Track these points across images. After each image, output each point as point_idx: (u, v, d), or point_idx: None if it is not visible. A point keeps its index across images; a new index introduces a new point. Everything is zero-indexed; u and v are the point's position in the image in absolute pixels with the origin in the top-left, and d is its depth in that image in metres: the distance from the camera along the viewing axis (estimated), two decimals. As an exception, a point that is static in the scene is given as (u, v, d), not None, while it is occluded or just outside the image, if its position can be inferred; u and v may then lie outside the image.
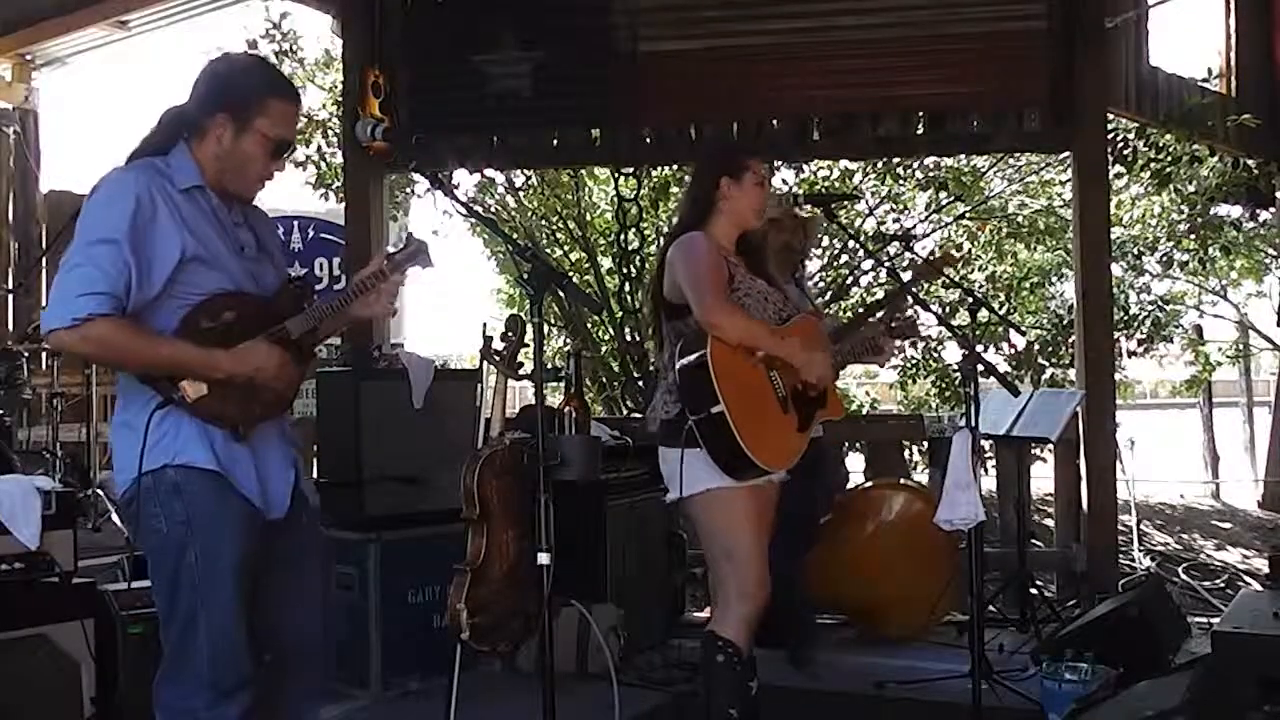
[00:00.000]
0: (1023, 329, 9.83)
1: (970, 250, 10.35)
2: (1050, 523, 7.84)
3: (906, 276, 4.62)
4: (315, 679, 2.80)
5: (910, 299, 4.74)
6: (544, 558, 2.63)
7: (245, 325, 2.57)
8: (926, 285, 5.22)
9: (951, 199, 9.91)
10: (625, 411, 8.75)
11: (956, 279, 4.75)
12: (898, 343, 3.82)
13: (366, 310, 2.74)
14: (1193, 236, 9.41)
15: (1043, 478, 8.13)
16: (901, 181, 9.80)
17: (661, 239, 9.84)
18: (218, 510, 2.52)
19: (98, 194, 2.49)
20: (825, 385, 3.32)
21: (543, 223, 10.34)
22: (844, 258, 9.95)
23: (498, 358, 3.35)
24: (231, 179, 2.62)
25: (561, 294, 2.63)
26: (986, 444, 6.47)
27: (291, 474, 2.70)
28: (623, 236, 6.89)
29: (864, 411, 10.35)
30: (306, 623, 2.73)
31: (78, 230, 2.47)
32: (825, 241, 9.37)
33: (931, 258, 5.29)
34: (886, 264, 6.82)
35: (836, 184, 9.37)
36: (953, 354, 9.21)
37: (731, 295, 3.29)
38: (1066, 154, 7.13)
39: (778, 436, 3.22)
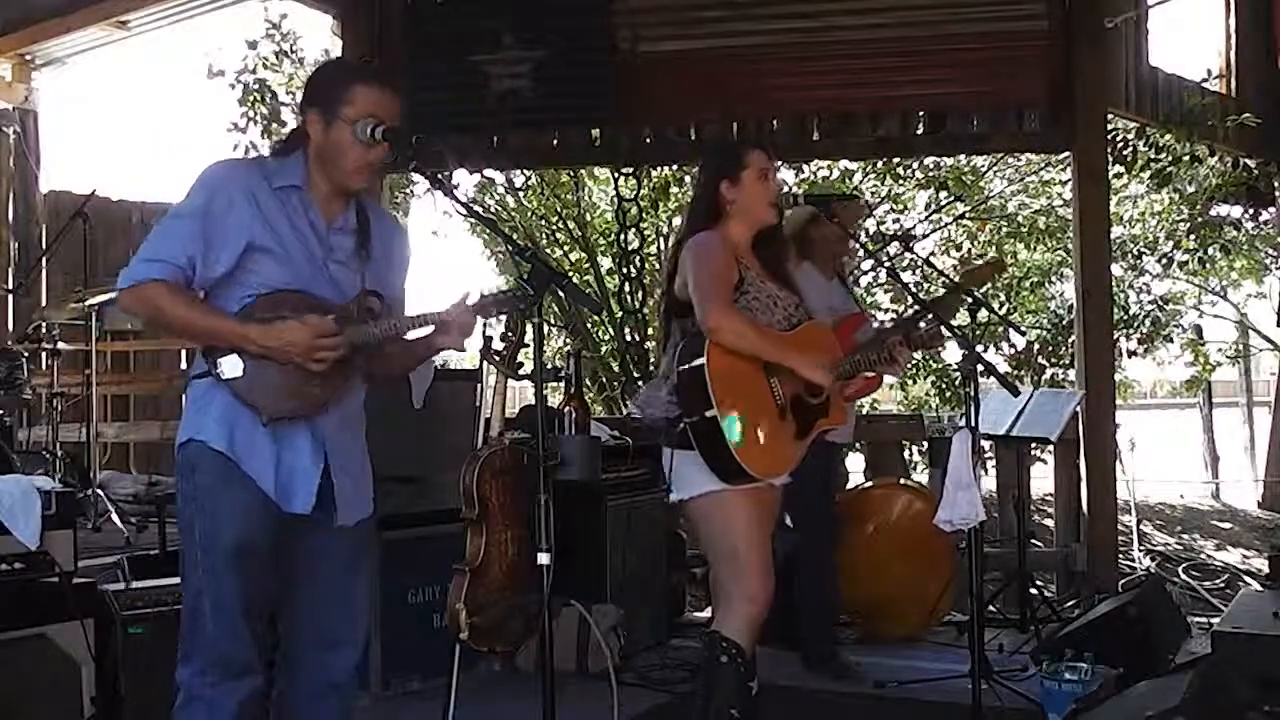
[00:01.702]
0: (1023, 329, 9.84)
1: (970, 250, 10.35)
2: (1050, 523, 7.84)
3: (945, 284, 4.61)
4: (331, 683, 2.78)
5: (911, 298, 4.75)
6: (544, 558, 2.62)
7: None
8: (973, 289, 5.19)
9: (951, 199, 9.92)
10: (625, 411, 8.75)
11: (955, 283, 4.76)
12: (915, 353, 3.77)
13: (441, 342, 2.78)
14: (1193, 236, 9.42)
15: (1043, 478, 8.13)
16: (901, 181, 9.81)
17: (661, 239, 9.88)
18: (221, 492, 2.57)
19: (192, 182, 2.63)
20: (828, 391, 3.27)
21: (543, 223, 10.34)
22: (843, 258, 9.95)
23: (498, 358, 3.34)
24: (331, 170, 2.67)
25: (561, 294, 2.63)
26: (986, 444, 6.47)
27: (317, 472, 2.66)
28: (623, 236, 6.90)
29: (864, 411, 10.34)
30: (324, 626, 2.74)
31: None
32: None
33: (984, 262, 5.27)
34: (886, 264, 6.82)
35: (836, 184, 9.38)
36: (953, 354, 9.22)
37: (739, 298, 3.27)
38: (1066, 154, 7.13)
39: (773, 444, 3.19)
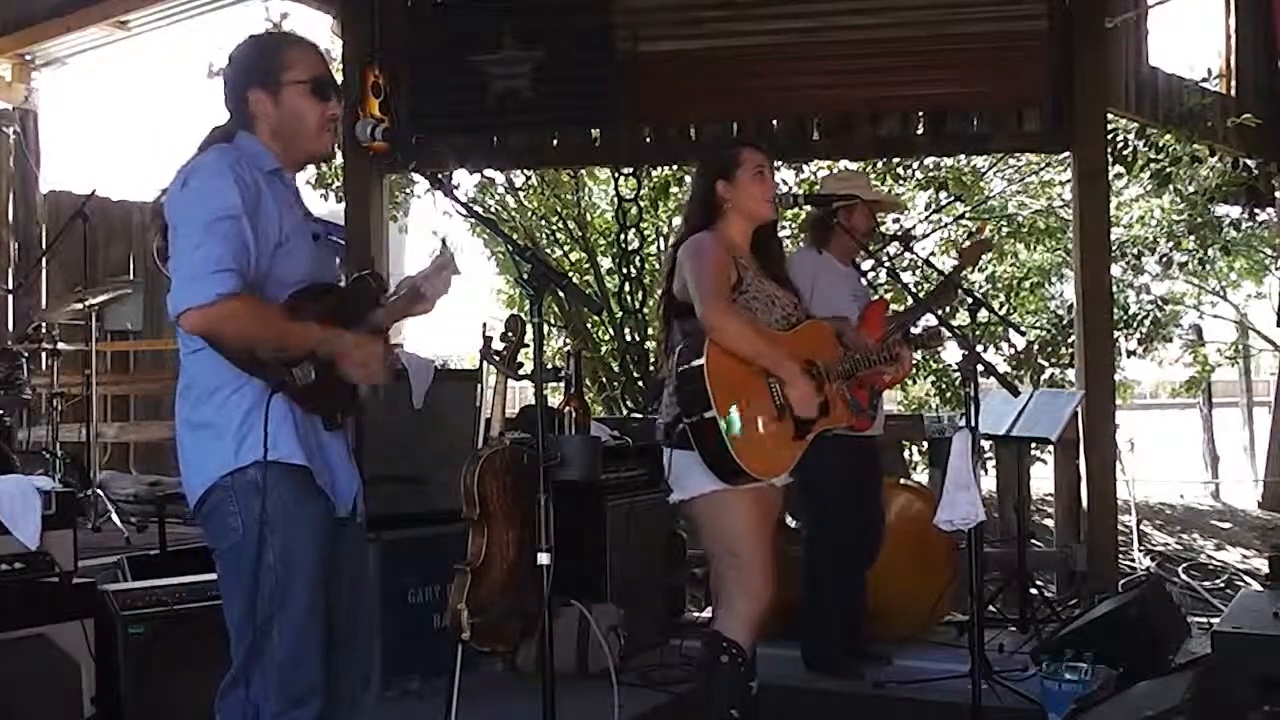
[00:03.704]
0: (1023, 329, 9.83)
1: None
2: (1050, 523, 7.85)
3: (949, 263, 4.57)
4: (359, 676, 2.79)
5: (911, 298, 4.74)
6: (544, 558, 2.62)
7: (336, 318, 2.57)
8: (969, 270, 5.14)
9: (951, 199, 9.92)
10: (625, 411, 8.75)
11: (950, 268, 4.75)
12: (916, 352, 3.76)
13: (417, 310, 2.77)
14: (1192, 237, 9.42)
15: (1043, 478, 8.14)
16: (901, 181, 9.81)
17: (662, 239, 9.87)
18: (300, 508, 2.48)
19: (196, 178, 2.46)
20: (807, 415, 3.24)
21: (543, 223, 10.34)
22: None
23: (498, 358, 3.35)
24: (297, 141, 2.60)
25: (561, 294, 2.64)
26: (986, 444, 6.47)
27: (356, 472, 2.68)
28: (623, 236, 6.90)
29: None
30: (355, 619, 2.72)
31: (185, 214, 2.42)
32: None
33: (972, 240, 5.24)
34: (886, 264, 6.81)
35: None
36: (953, 354, 9.23)
37: (738, 298, 3.27)
38: (1066, 154, 7.13)
39: (771, 445, 3.19)
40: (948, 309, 5.68)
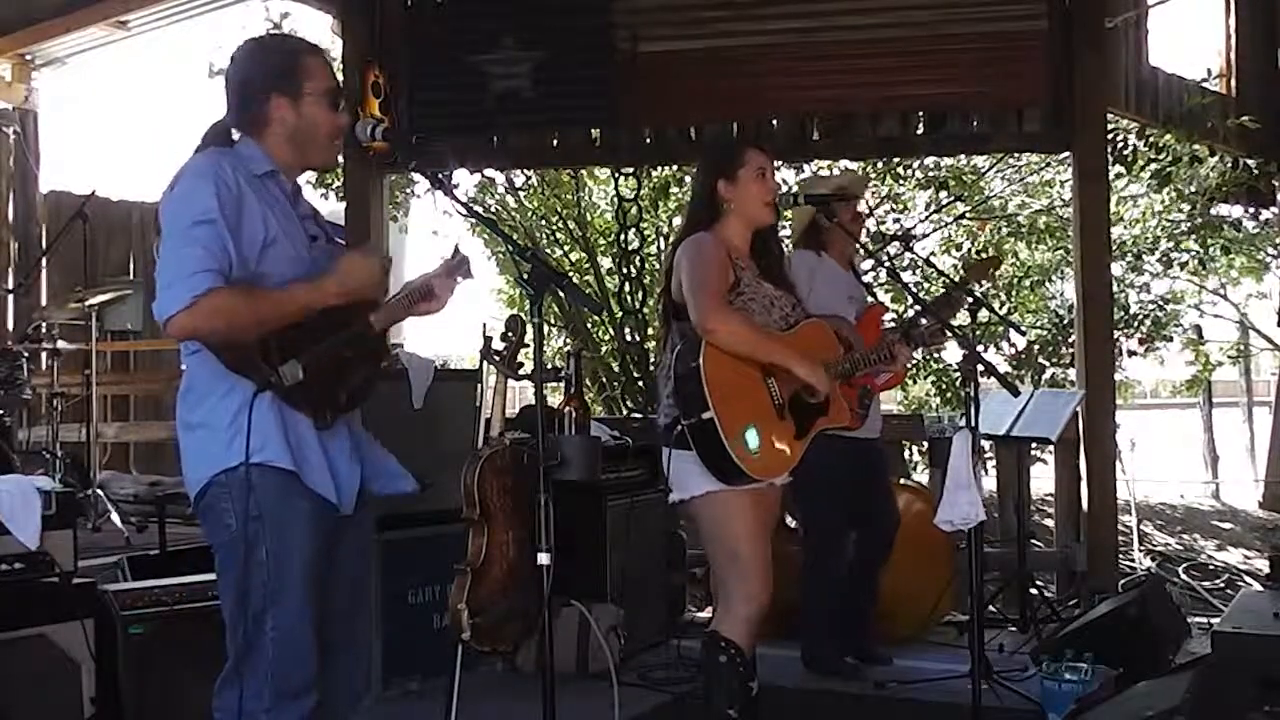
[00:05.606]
0: (1023, 329, 9.83)
1: (970, 250, 10.36)
2: (1050, 523, 7.85)
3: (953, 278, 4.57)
4: (359, 677, 2.80)
5: (911, 298, 4.74)
6: (544, 558, 2.62)
7: (331, 317, 2.57)
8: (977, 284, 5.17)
9: (951, 199, 9.92)
10: (625, 411, 8.76)
11: (956, 279, 4.75)
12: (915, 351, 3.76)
13: (424, 310, 2.78)
14: (1193, 236, 9.41)
15: (1043, 478, 8.14)
16: (901, 181, 9.81)
17: (662, 239, 9.87)
18: (290, 508, 2.50)
19: (180, 183, 2.50)
20: (826, 393, 3.27)
21: (543, 223, 10.35)
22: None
23: (498, 358, 3.35)
24: (311, 149, 2.64)
25: (561, 294, 2.64)
26: (986, 444, 6.47)
27: (359, 470, 2.68)
28: (623, 236, 6.90)
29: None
30: (353, 620, 2.73)
31: (168, 221, 2.47)
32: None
33: (981, 258, 5.24)
34: (886, 264, 6.81)
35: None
36: (953, 354, 9.22)
37: (735, 299, 3.25)
38: (1066, 154, 7.13)
39: (770, 445, 3.18)
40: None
